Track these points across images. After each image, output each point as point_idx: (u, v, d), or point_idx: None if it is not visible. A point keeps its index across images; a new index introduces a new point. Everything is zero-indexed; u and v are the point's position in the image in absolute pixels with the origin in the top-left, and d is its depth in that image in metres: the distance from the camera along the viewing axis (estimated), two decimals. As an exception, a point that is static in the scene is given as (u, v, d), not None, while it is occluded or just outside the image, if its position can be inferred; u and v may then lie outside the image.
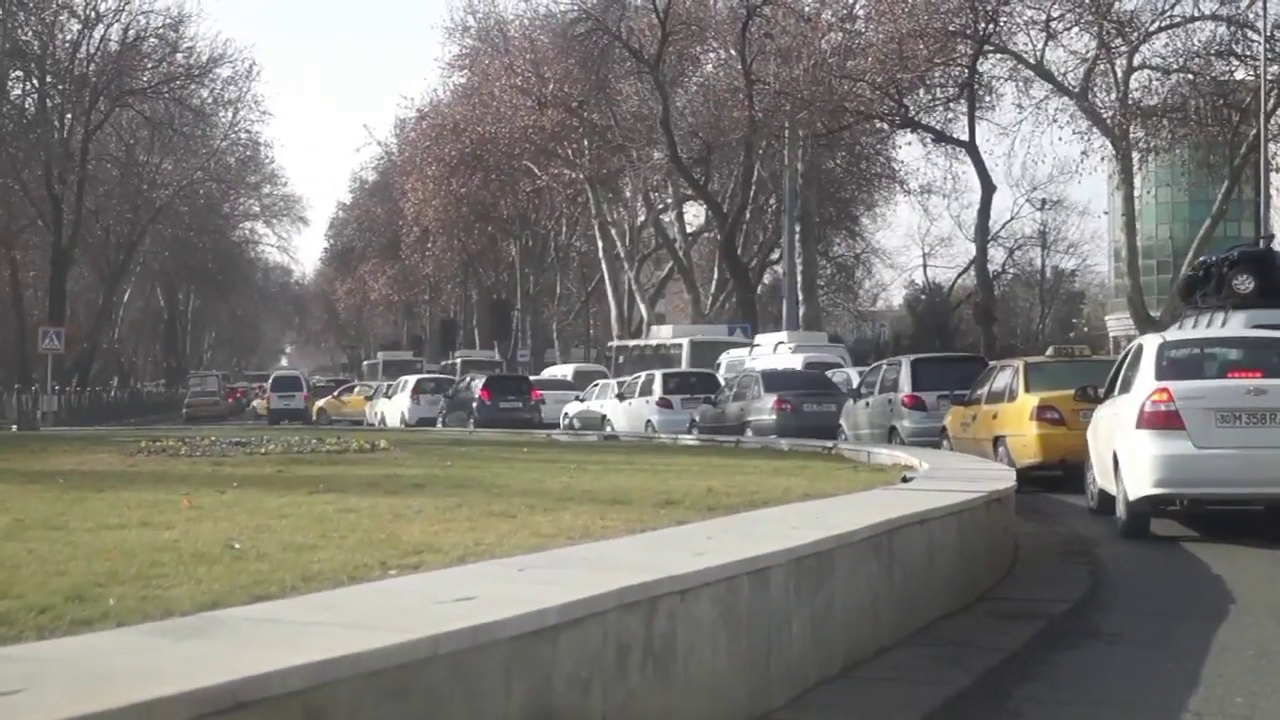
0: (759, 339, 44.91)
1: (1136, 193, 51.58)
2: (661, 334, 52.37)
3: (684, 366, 43.69)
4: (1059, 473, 19.80)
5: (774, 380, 32.77)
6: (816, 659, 7.47)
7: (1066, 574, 12.38)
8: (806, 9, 49.07)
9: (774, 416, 30.68)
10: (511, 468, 17.88)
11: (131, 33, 68.52)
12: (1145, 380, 14.56)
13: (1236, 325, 19.24)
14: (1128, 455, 14.50)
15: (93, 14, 67.26)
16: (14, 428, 47.96)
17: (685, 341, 47.51)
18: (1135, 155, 46.66)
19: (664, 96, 52.23)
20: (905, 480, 13.83)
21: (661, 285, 75.81)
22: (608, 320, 68.67)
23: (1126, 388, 15.18)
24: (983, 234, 49.60)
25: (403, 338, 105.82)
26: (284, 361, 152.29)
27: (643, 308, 64.58)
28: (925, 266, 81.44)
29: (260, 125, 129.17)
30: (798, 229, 53.73)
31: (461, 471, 16.80)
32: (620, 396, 40.44)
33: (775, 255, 62.50)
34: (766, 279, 70.45)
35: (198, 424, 57.61)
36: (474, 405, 43.25)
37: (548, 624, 4.99)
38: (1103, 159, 47.23)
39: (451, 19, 78.29)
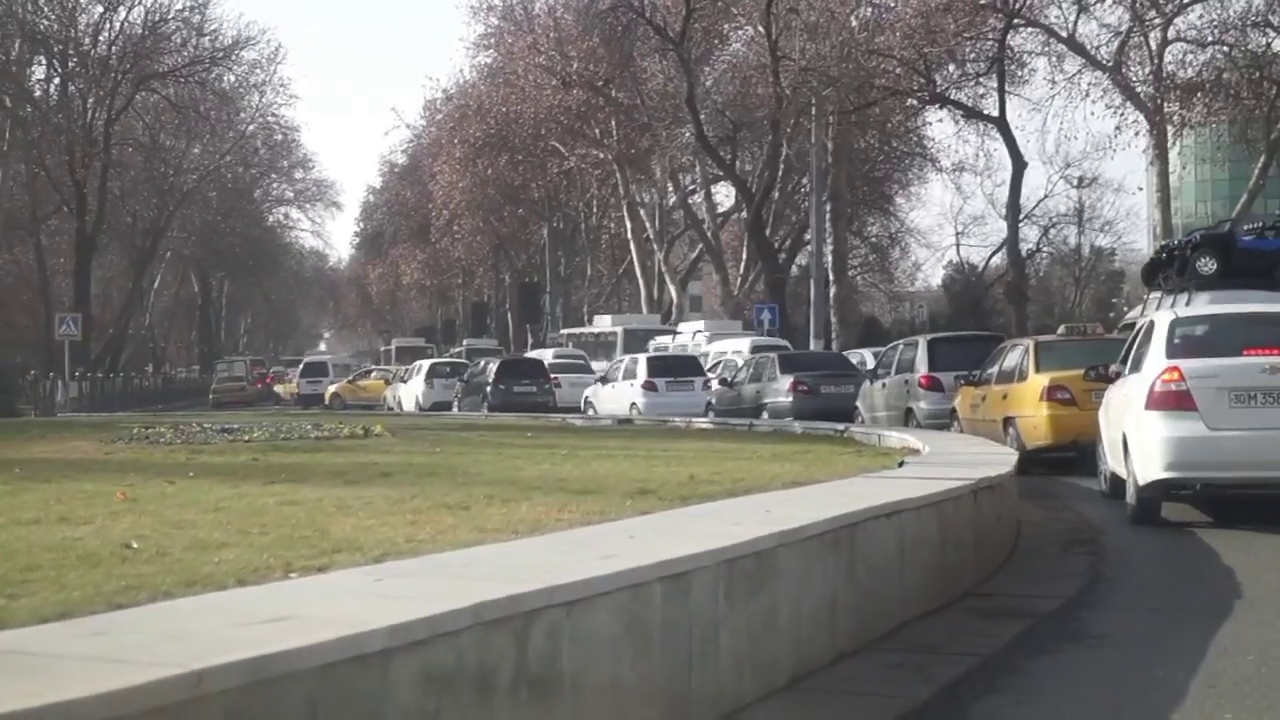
0: (681, 327, 49.89)
1: (1172, 169, 50.58)
2: (602, 323, 57.09)
3: (619, 353, 46.45)
4: (1072, 454, 18.93)
5: (791, 362, 32.65)
6: (754, 673, 6.69)
7: (1065, 566, 11.55)
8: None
9: (790, 399, 30.40)
10: (499, 454, 17.15)
11: (154, 15, 68.10)
12: (1156, 359, 13.74)
13: (1200, 306, 18.43)
14: (1137, 437, 13.69)
15: (113, -4, 66.90)
16: (33, 413, 47.53)
17: (620, 330, 52.46)
18: (1170, 130, 45.66)
19: (689, 74, 51.42)
20: (901, 465, 13.04)
21: (692, 266, 75.12)
22: (639, 302, 67.92)
23: (1137, 366, 14.37)
24: (1014, 212, 48.69)
25: (437, 321, 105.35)
26: (322, 346, 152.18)
27: (672, 289, 63.87)
28: (958, 245, 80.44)
29: (287, 109, 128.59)
30: (828, 208, 52.86)
31: (443, 459, 16.12)
32: (604, 380, 40.75)
33: (808, 236, 61.58)
34: (801, 260, 69.50)
35: (224, 409, 57.22)
36: (487, 389, 42.75)
37: (372, 649, 4.24)
38: (1136, 134, 46.26)
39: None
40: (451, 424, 30.92)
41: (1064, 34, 45.33)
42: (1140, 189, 71.25)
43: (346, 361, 72.77)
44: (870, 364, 30.85)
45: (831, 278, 51.86)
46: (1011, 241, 49.16)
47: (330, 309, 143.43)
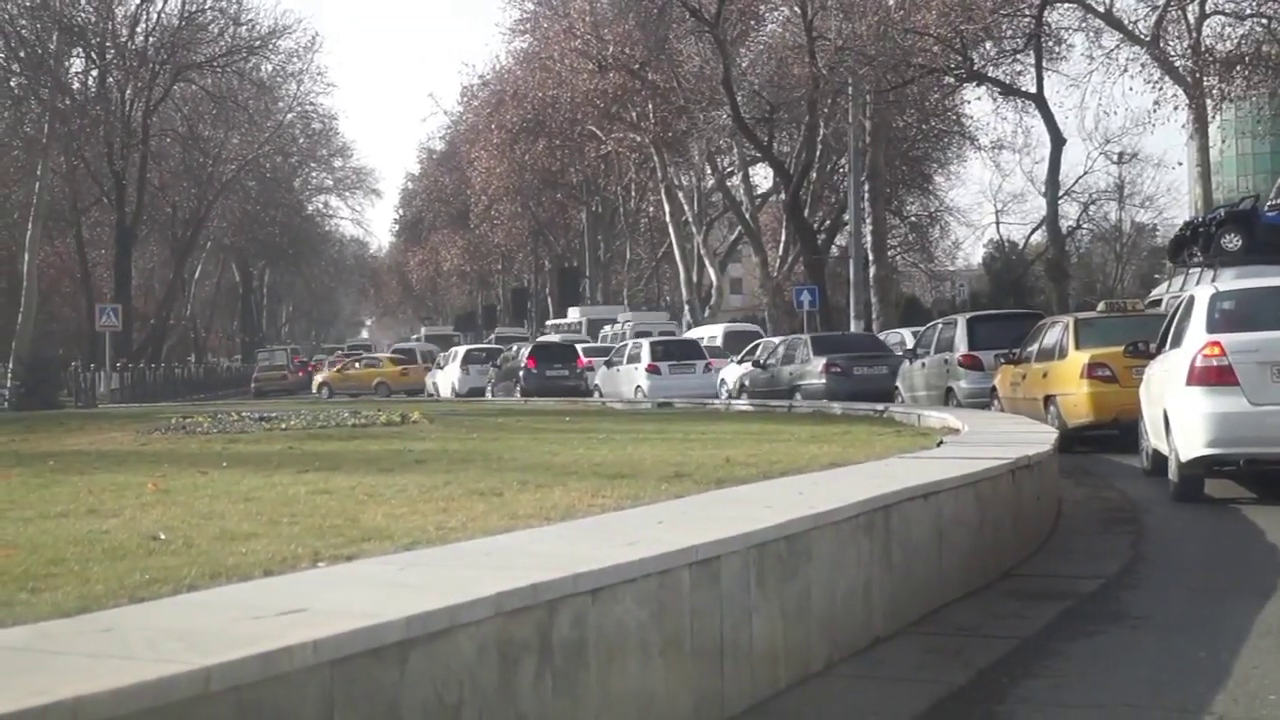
0: (619, 316, 58.35)
1: (1212, 143, 50.07)
2: (572, 315, 64.67)
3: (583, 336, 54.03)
4: (1114, 431, 18.73)
5: (824, 344, 33.03)
6: (788, 658, 6.58)
7: (1106, 545, 11.39)
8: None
9: (824, 380, 30.60)
10: (535, 439, 17.06)
11: (190, 6, 68.19)
12: (1196, 334, 13.55)
13: (1226, 282, 18.20)
14: (1178, 414, 13.51)
15: (150, -13, 67.02)
16: (74, 405, 47.67)
17: (585, 320, 60.98)
18: (1209, 104, 45.22)
19: (725, 56, 51.12)
20: (940, 445, 12.90)
21: (731, 248, 74.91)
22: (678, 285, 67.74)
23: (1178, 342, 14.17)
24: (1053, 188, 48.31)
25: (478, 307, 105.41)
26: (364, 334, 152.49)
27: (711, 272, 63.70)
28: (998, 223, 79.97)
29: (324, 97, 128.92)
30: (866, 188, 52.59)
31: (478, 445, 16.02)
32: (609, 364, 41.68)
33: (847, 216, 61.27)
34: (840, 240, 69.20)
35: (266, 398, 57.40)
36: (520, 374, 43.08)
37: (389, 640, 4.14)
38: (1176, 109, 45.78)
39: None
40: (488, 409, 30.86)
41: (1101, 9, 44.89)
42: (1180, 164, 70.55)
43: (429, 347, 71.88)
44: (910, 344, 30.63)
45: (871, 258, 51.55)
46: (1051, 218, 48.85)
47: (371, 296, 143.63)
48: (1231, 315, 13.73)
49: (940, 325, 28.40)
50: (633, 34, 55.50)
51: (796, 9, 50.23)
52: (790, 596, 6.59)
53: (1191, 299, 14.51)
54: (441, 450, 15.02)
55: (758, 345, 38.50)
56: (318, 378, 67.24)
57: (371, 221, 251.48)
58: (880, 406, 22.84)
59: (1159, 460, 14.89)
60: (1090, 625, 8.19)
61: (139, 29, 67.57)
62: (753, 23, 58.12)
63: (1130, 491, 14.96)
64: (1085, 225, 75.60)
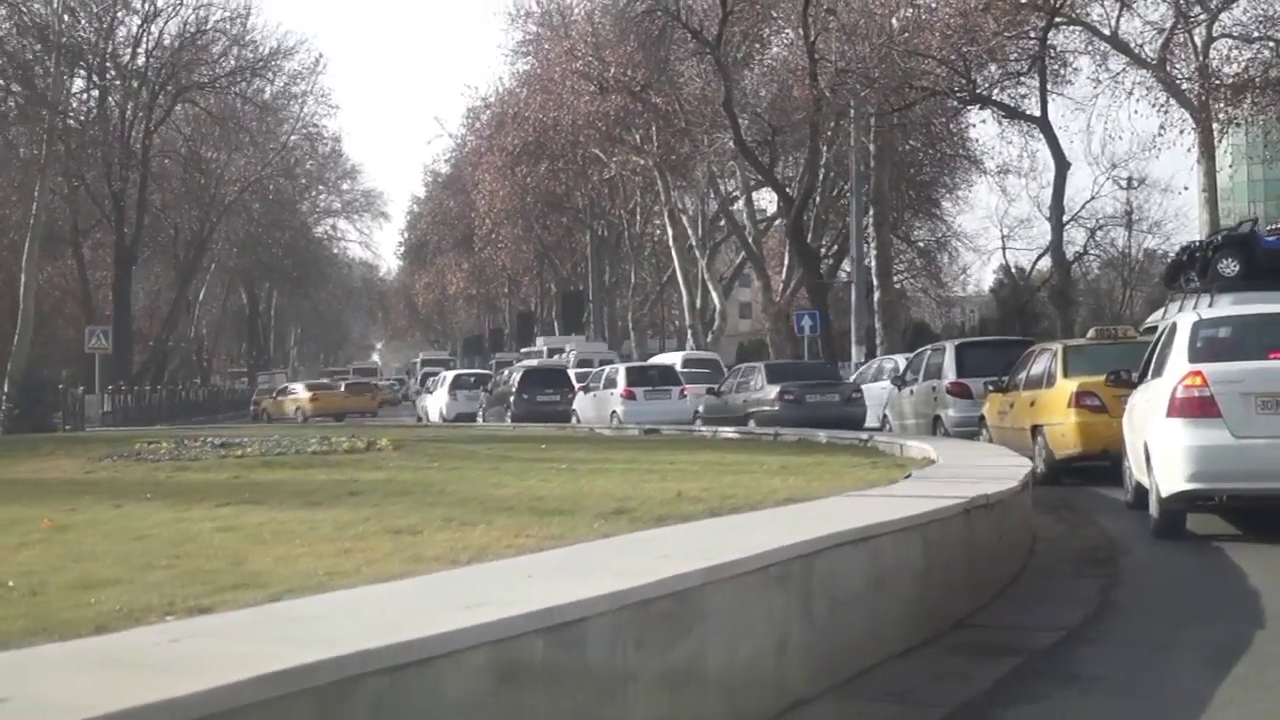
0: (566, 345, 61.67)
1: (1220, 168, 49.24)
2: (540, 343, 67.76)
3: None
4: (1106, 463, 17.90)
5: (777, 371, 33.63)
6: (675, 731, 5.80)
7: (1074, 590, 10.58)
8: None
9: (776, 407, 30.64)
10: (494, 469, 16.28)
11: (191, 26, 67.70)
12: (1178, 362, 12.79)
13: (1223, 308, 17.37)
14: (1159, 446, 12.75)
15: (151, 8, 66.53)
16: (66, 427, 47.05)
17: (545, 348, 63.39)
18: (1215, 128, 44.40)
19: (726, 78, 50.41)
20: (908, 478, 12.15)
21: (737, 272, 74.25)
22: (683, 309, 67.07)
23: (1160, 371, 13.41)
24: (1058, 213, 47.55)
25: (485, 331, 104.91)
26: (375, 357, 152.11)
27: (715, 297, 63.05)
28: (1004, 249, 79.03)
29: (329, 119, 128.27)
30: (870, 212, 51.88)
31: (430, 475, 15.31)
32: (585, 389, 41.27)
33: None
34: (848, 265, 68.40)
35: (264, 422, 56.89)
36: (511, 399, 42.73)
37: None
38: (1181, 132, 44.96)
39: (515, 5, 76.71)
40: (468, 436, 30.06)
41: (1106, 31, 44.15)
42: (1186, 188, 69.57)
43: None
44: (881, 369, 30.57)
45: (876, 283, 50.84)
46: (1056, 244, 48.08)
47: (380, 320, 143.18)
48: (1215, 344, 12.98)
49: (929, 352, 27.81)
50: (634, 56, 54.82)
51: (799, 30, 49.54)
52: (679, 660, 5.82)
53: (1174, 326, 13.75)
54: (387, 481, 14.32)
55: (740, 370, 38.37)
56: (261, 403, 68.86)
57: (380, 244, 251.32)
58: (865, 435, 22.16)
59: (1142, 494, 14.14)
60: (1037, 688, 7.40)
61: (140, 49, 67.10)
62: (757, 46, 57.45)
63: (1111, 528, 14.19)
64: (1092, 251, 74.73)
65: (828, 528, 7.63)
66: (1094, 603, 9.99)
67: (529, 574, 6.24)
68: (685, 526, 9.00)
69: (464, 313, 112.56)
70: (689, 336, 63.35)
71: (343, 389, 69.28)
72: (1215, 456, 12.20)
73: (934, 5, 46.69)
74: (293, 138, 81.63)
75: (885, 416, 27.79)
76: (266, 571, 7.66)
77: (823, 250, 64.75)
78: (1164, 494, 12.73)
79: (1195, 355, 12.74)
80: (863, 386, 32.50)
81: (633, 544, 7.80)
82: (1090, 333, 21.46)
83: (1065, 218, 53.40)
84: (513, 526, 9.66)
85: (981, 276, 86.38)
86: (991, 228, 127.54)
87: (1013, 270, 75.88)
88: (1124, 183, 72.06)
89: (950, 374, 24.91)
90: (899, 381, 28.11)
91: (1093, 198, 72.90)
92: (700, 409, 35.60)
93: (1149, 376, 14.07)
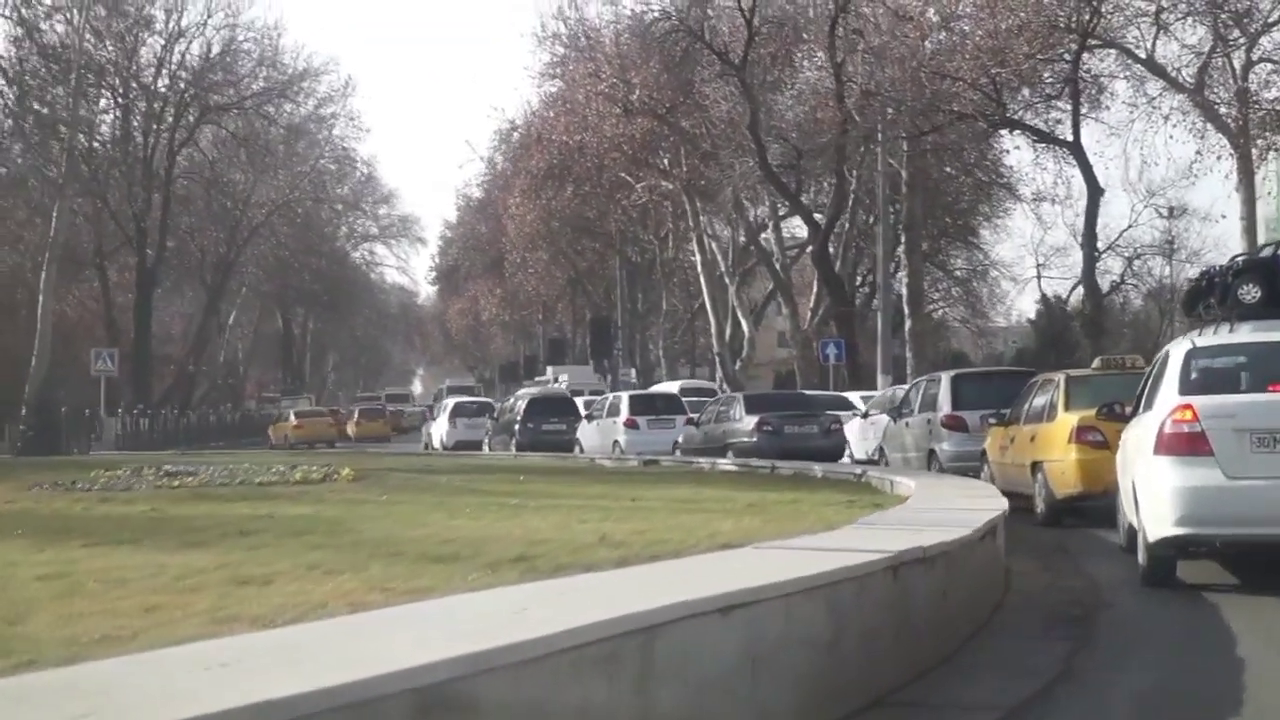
0: (561, 375, 61.75)
1: (1259, 195, 47.68)
2: (548, 372, 67.00)
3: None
4: (1109, 502, 16.45)
5: (755, 402, 33.21)
6: None
7: (1034, 655, 9.17)
8: (906, 7, 45.69)
9: (755, 438, 30.21)
10: (436, 506, 14.99)
11: (215, 48, 66.98)
12: (1167, 395, 11.46)
13: (1242, 336, 15.92)
14: (1146, 487, 11.44)
15: (175, 29, 65.82)
16: (75, 450, 46.35)
17: (554, 377, 61.89)
18: (1254, 154, 42.93)
19: (751, 101, 49.17)
20: (854, 524, 10.83)
21: (768, 300, 72.93)
22: (711, 337, 65.72)
23: (1149, 404, 12.04)
24: (1090, 240, 46.17)
25: (520, 357, 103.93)
26: (416, 383, 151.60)
27: (745, 325, 61.68)
28: (1039, 277, 77.45)
29: (359, 143, 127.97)
30: (902, 239, 50.67)
31: (359, 511, 14.19)
32: (589, 418, 40.64)
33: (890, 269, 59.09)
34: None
35: (302, 448, 56.16)
36: (516, 428, 42.20)
37: None
38: (1219, 159, 43.44)
39: (542, 26, 75.84)
40: (453, 465, 28.71)
41: (1142, 54, 42.76)
42: (1224, 216, 67.74)
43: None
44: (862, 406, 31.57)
45: (907, 311, 49.57)
46: (1087, 271, 46.64)
47: (417, 345, 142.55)
48: (1210, 374, 11.62)
49: (925, 383, 26.71)
50: (660, 78, 53.64)
51: (827, 53, 48.29)
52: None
53: (1166, 355, 12.36)
54: (301, 518, 13.20)
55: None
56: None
57: (416, 270, 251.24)
58: (859, 470, 20.94)
59: (1134, 536, 12.77)
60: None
61: (163, 70, 66.32)
62: (789, 70, 56.12)
63: (1100, 575, 12.82)
64: (1130, 281, 72.95)
65: (694, 592, 6.30)
66: (1051, 673, 8.57)
67: (222, 663, 4.86)
68: (560, 582, 7.73)
69: (500, 339, 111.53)
70: (716, 364, 62.02)
71: (355, 415, 68.96)
72: (1206, 499, 10.89)
73: (966, 28, 45.40)
74: (321, 160, 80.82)
75: (881, 449, 26.89)
76: (26, 636, 6.49)
77: (858, 279, 63.57)
78: (1151, 539, 11.43)
79: (1187, 387, 11.39)
80: (872, 416, 31.18)
81: (463, 607, 6.48)
82: (1096, 362, 19.88)
83: (1101, 246, 52.00)
84: (381, 577, 8.57)
85: (1022, 306, 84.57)
86: (1027, 256, 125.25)
87: (1050, 300, 74.25)
88: (1164, 211, 70.48)
89: (945, 406, 23.85)
90: (894, 413, 27.09)
91: (1130, 226, 71.22)
92: (680, 439, 35.16)
93: (1141, 409, 12.70)
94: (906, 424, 25.62)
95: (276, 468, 21.43)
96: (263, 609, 7.32)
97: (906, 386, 32.42)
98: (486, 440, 45.85)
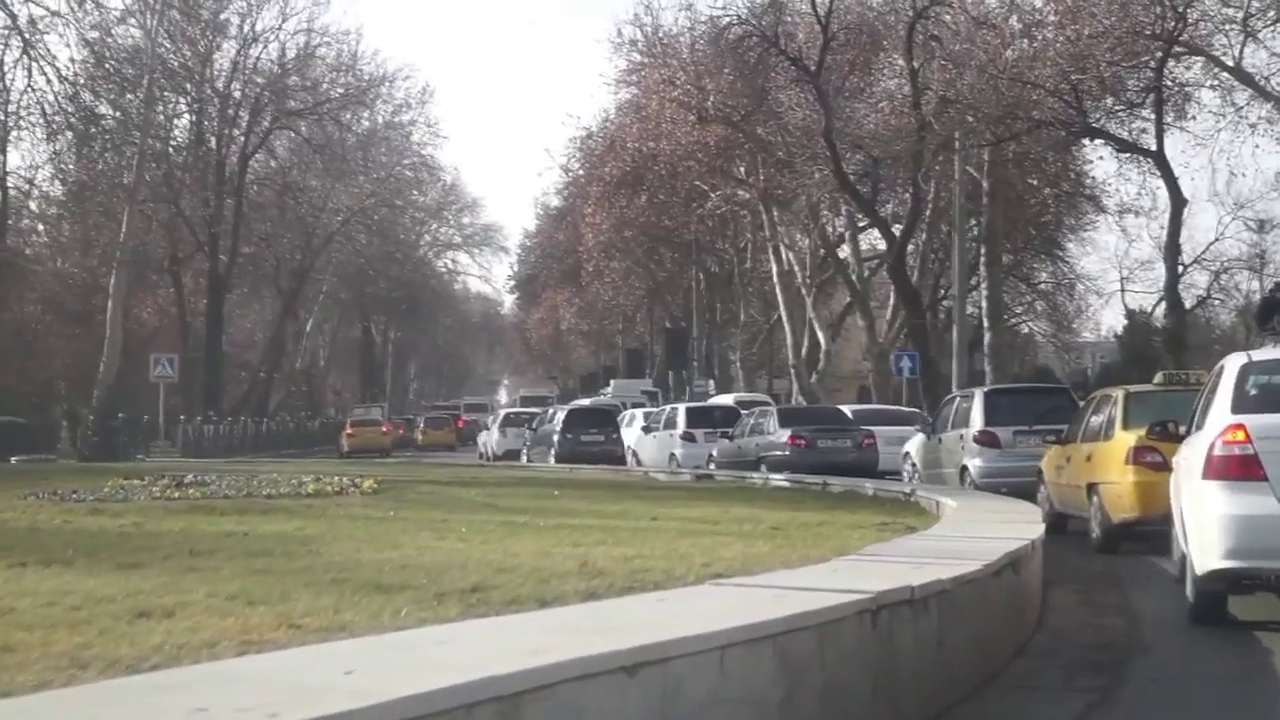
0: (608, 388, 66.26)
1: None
2: (612, 385, 69.10)
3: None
4: (1169, 528, 15.22)
5: (789, 416, 33.35)
6: None
7: (1045, 713, 8.04)
8: (989, 15, 44.46)
9: (788, 452, 30.01)
10: (439, 522, 13.99)
11: (291, 53, 66.60)
12: (1219, 414, 10.30)
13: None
14: (1194, 515, 10.34)
15: (250, 34, 65.47)
16: (140, 457, 46.01)
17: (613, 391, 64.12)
18: (1345, 164, 41.51)
19: (826, 108, 47.95)
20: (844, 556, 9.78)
21: (846, 312, 71.77)
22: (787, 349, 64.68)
23: (1201, 424, 10.86)
24: (1173, 253, 44.57)
25: (599, 367, 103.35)
26: (501, 392, 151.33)
27: (822, 336, 60.55)
28: (1123, 291, 75.80)
29: (438, 150, 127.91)
30: (982, 251, 49.48)
31: (343, 528, 13.21)
32: (646, 430, 40.53)
33: (973, 280, 57.78)
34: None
35: (356, 456, 55.73)
36: (554, 438, 41.75)
37: None
38: (1307, 168, 42.07)
39: (618, 33, 75.36)
40: (498, 478, 27.78)
41: (1230, 62, 41.31)
42: (1314, 230, 65.99)
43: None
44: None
45: (986, 324, 48.39)
46: (1170, 285, 45.07)
47: (500, 354, 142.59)
48: (1267, 391, 10.43)
49: (958, 399, 26.56)
50: (735, 85, 52.64)
51: (902, 63, 47.13)
52: None
53: (1220, 370, 11.15)
54: (274, 535, 12.32)
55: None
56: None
57: (498, 279, 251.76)
58: (909, 489, 19.89)
59: (1185, 567, 11.56)
60: None
61: (237, 74, 65.95)
62: (864, 77, 54.94)
63: (1146, 610, 11.71)
64: (1216, 295, 71.06)
65: (603, 645, 5.24)
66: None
67: None
68: (489, 622, 6.76)
69: (581, 349, 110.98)
70: (792, 377, 60.98)
71: (421, 424, 69.18)
72: (1259, 528, 9.78)
73: (1049, 35, 44.13)
74: (397, 168, 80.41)
75: (914, 465, 26.63)
76: None
77: (940, 292, 62.39)
78: (1199, 571, 10.33)
79: (1240, 405, 10.23)
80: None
81: (289, 664, 5.47)
82: (1157, 378, 18.53)
83: (1186, 259, 50.51)
84: (302, 610, 7.66)
85: (1110, 320, 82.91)
86: (1111, 270, 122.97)
87: (1136, 314, 72.60)
88: (1253, 224, 68.61)
89: (978, 422, 23.48)
90: (929, 429, 26.82)
91: (1216, 239, 69.41)
92: (714, 453, 34.62)
93: (1193, 429, 11.52)
94: (939, 440, 25.37)
95: (299, 478, 20.52)
96: (134, 650, 6.40)
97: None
98: (525, 450, 45.86)
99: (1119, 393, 17.85)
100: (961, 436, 23.89)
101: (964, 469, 23.23)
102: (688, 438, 37.03)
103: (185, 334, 67.44)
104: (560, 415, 43.73)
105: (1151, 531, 16.14)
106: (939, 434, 25.63)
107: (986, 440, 22.99)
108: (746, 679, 5.88)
